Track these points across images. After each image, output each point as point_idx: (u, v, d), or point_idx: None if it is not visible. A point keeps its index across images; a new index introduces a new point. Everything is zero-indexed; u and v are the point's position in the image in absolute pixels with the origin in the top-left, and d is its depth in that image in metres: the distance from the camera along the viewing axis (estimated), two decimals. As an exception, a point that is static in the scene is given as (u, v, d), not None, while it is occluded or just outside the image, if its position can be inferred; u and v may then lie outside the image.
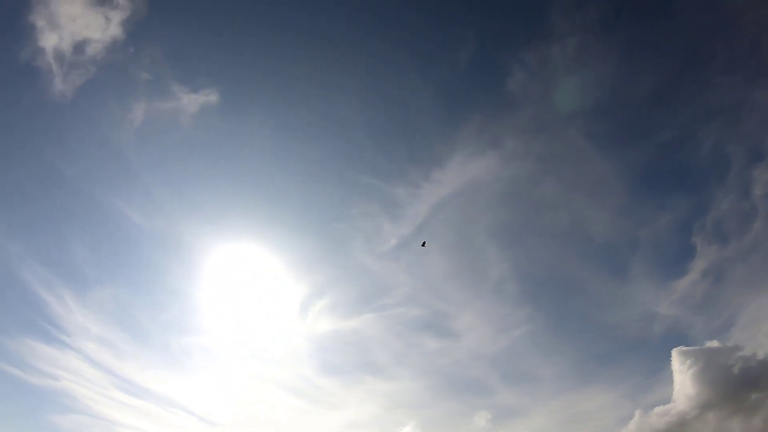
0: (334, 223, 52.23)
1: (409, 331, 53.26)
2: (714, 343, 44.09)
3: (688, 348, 43.45)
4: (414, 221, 52.49)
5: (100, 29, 44.75)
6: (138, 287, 50.66)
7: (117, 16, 44.77)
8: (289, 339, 50.93)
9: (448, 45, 52.14)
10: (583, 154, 54.33)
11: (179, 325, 50.53)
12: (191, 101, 47.44)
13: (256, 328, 50.89)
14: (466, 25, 51.97)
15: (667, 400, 43.14)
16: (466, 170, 52.79)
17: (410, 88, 52.19)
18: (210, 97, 47.59)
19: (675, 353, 43.96)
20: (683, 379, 41.99)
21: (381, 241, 52.86)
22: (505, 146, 53.74)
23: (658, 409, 42.39)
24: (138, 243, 49.50)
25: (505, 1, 53.02)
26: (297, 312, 51.33)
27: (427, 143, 53.39)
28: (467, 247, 54.70)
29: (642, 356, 50.31)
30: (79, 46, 45.03)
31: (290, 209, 51.47)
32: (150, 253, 49.60)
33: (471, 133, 52.92)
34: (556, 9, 50.65)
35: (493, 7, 52.98)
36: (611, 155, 54.67)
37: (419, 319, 53.31)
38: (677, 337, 49.04)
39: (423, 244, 40.36)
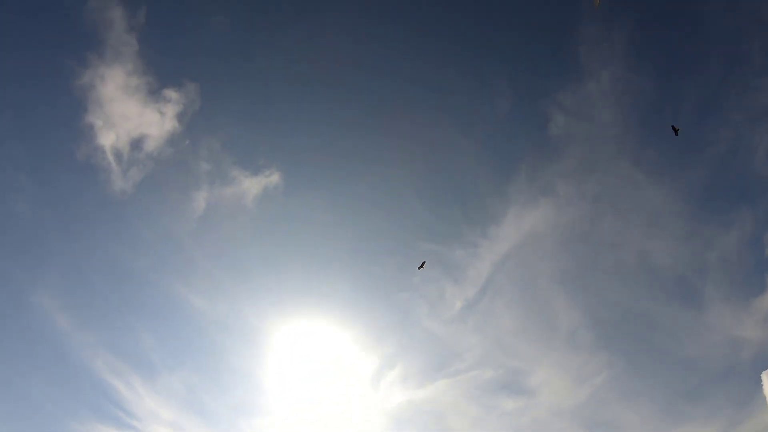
0: (397, 293, 51.46)
1: (485, 393, 51.20)
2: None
3: (780, 368, 40.59)
4: (476, 281, 51.23)
5: (156, 125, 46.92)
6: (205, 371, 50.36)
7: (171, 110, 46.92)
8: (362, 414, 49.57)
9: (484, 100, 52.43)
10: (637, 185, 52.60)
11: (248, 407, 49.49)
12: (252, 184, 48.30)
13: (327, 405, 49.87)
14: (499, 77, 52.27)
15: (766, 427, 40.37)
16: (522, 222, 51.71)
17: (454, 149, 52.30)
18: (271, 177, 48.37)
19: (765, 376, 41.20)
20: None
21: (446, 306, 51.58)
22: (558, 191, 52.62)
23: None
24: (203, 328, 49.63)
25: (531, 46, 53.40)
26: (368, 386, 49.80)
27: (479, 201, 52.93)
28: (534, 300, 52.86)
29: (731, 385, 46.29)
30: (136, 143, 47.08)
31: (353, 283, 50.90)
32: (215, 337, 49.67)
33: (521, 184, 52.19)
34: (582, 45, 50.56)
35: (521, 54, 53.47)
36: (665, 180, 52.43)
37: (494, 380, 51.27)
38: (766, 358, 45.56)
39: (422, 266, 39.49)
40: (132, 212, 47.88)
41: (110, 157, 46.03)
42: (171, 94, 46.99)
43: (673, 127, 34.32)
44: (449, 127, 51.87)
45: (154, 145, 46.95)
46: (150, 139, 46.77)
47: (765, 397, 40.91)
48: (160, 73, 47.23)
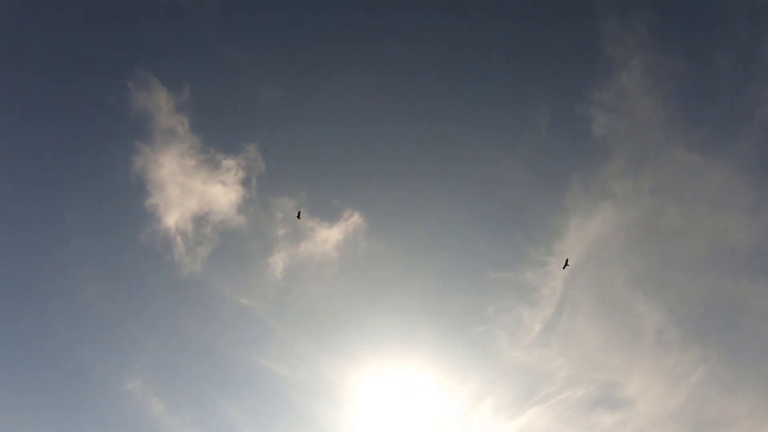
0: (474, 327, 50.53)
1: (580, 413, 48.85)
2: None
3: None
4: (551, 300, 50.03)
5: (220, 196, 48.08)
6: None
7: (233, 178, 48.06)
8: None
9: (523, 120, 51.94)
10: (694, 167, 50.66)
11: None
12: (332, 233, 48.68)
13: (420, 450, 48.40)
14: (532, 94, 52.06)
15: None
16: (586, 231, 50.40)
17: (504, 174, 51.85)
18: (351, 220, 48.90)
19: None
20: None
21: (525, 331, 50.24)
22: (615, 193, 51.43)
23: None
24: (286, 394, 49.06)
25: (557, 53, 53.00)
26: (459, 425, 48.81)
27: (539, 220, 51.97)
28: (613, 307, 50.78)
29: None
30: (201, 219, 48.19)
31: (429, 324, 50.33)
32: (299, 401, 48.95)
33: (577, 194, 51.07)
34: (606, 40, 50.22)
35: (548, 64, 53.18)
36: (721, 155, 50.13)
37: (587, 397, 48.97)
38: None
39: (298, 215, 37.81)
40: (203, 290, 48.59)
41: (176, 238, 47.40)
42: (230, 162, 48.38)
43: (566, 262, 40.96)
44: (496, 155, 52.03)
45: (219, 218, 48.20)
46: (215, 212, 48.09)
47: None
48: (215, 144, 48.80)
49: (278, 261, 48.72)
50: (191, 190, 47.99)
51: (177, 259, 47.50)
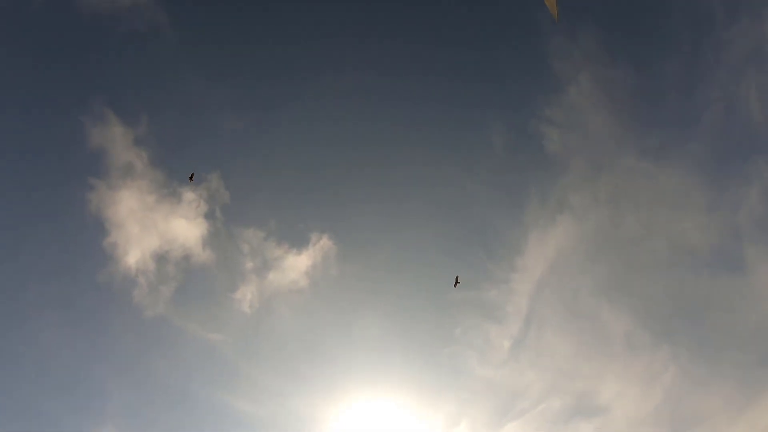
0: (443, 349, 50.44)
1: (558, 424, 48.78)
2: None
3: None
4: (518, 316, 50.36)
5: (183, 231, 46.95)
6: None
7: (195, 212, 47.09)
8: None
9: (480, 136, 53.11)
10: (647, 173, 52.07)
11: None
12: (301, 259, 48.42)
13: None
14: (485, 116, 53.22)
15: None
16: (546, 244, 51.28)
17: (464, 190, 52.53)
18: (321, 242, 48.82)
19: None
20: None
21: (494, 349, 50.31)
22: (572, 204, 52.49)
23: None
24: (251, 429, 47.90)
25: (506, 74, 54.34)
26: (439, 450, 48.49)
27: (499, 237, 52.61)
28: (580, 317, 51.37)
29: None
30: (163, 256, 46.90)
31: (399, 348, 49.87)
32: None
33: (535, 209, 51.98)
34: (553, 58, 51.99)
35: (501, 82, 54.37)
36: (673, 159, 51.73)
37: (563, 408, 49.01)
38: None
39: (191, 178, 37.40)
40: (170, 329, 47.34)
41: (137, 278, 46.20)
42: (191, 195, 47.37)
43: (456, 280, 41.59)
44: (456, 176, 52.76)
45: (182, 254, 47.17)
46: (177, 248, 47.04)
47: None
48: (175, 177, 47.51)
49: (246, 294, 48.10)
50: (152, 226, 47.06)
51: (139, 300, 46.34)
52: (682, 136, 52.35)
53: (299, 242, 49.15)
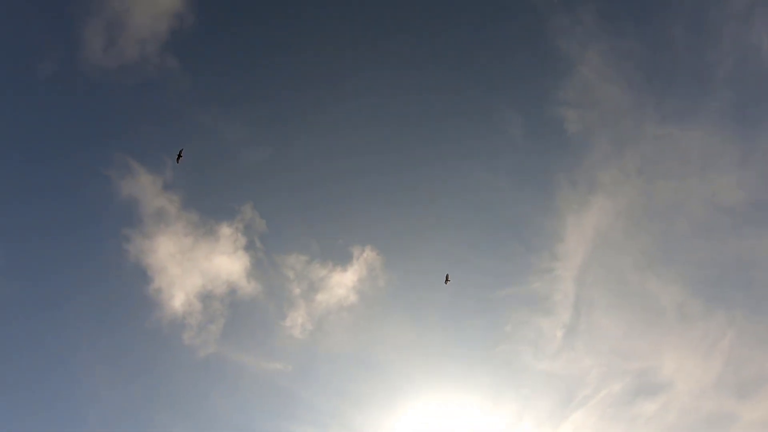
0: (496, 347, 49.92)
1: (621, 407, 47.75)
2: None
3: None
4: (566, 303, 49.76)
5: (224, 267, 47.17)
6: None
7: (233, 245, 47.42)
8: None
9: (498, 130, 52.83)
10: (672, 138, 51.18)
11: None
12: (347, 275, 48.35)
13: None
14: (500, 109, 53.01)
15: None
16: (584, 227, 50.62)
17: (491, 187, 52.26)
18: (363, 256, 48.59)
19: None
20: None
21: (547, 340, 49.75)
22: (602, 182, 51.81)
23: None
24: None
25: (515, 61, 54.24)
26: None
27: (534, 226, 51.95)
28: (629, 294, 50.44)
29: None
30: (207, 295, 47.18)
31: (453, 352, 49.49)
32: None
33: (566, 193, 51.46)
34: (558, 38, 51.84)
35: (509, 72, 54.28)
36: (693, 121, 51.25)
37: (625, 390, 47.95)
38: None
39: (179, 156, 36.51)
40: (224, 364, 47.31)
41: (185, 319, 46.47)
42: (227, 229, 47.84)
43: (446, 278, 42.57)
44: (481, 175, 52.66)
45: (227, 289, 47.37)
46: (221, 284, 47.33)
47: None
48: (209, 214, 48.28)
49: (297, 319, 48.08)
50: (193, 267, 47.58)
51: (190, 341, 46.66)
52: (700, 96, 51.64)
53: (342, 258, 49.15)
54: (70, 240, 48.06)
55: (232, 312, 47.70)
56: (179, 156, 39.12)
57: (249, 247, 48.22)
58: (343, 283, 48.49)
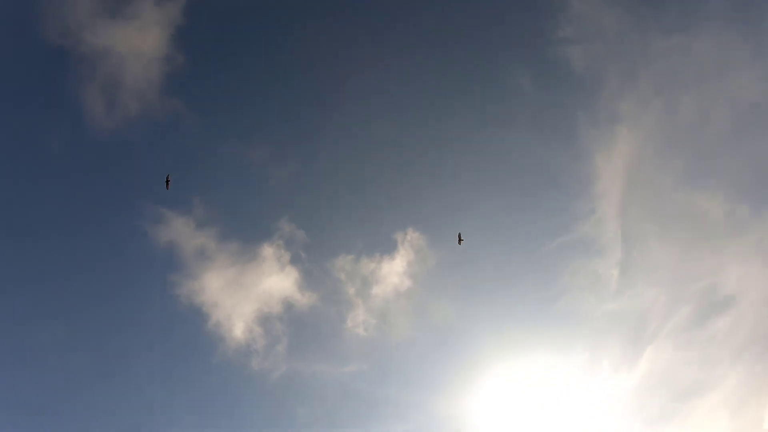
0: (558, 300, 49.29)
1: (693, 329, 46.87)
2: None
3: None
4: (615, 240, 49.36)
5: (276, 287, 47.64)
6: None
7: (279, 263, 47.76)
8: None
9: (504, 83, 52.24)
10: (681, 47, 50.41)
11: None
12: (393, 263, 48.17)
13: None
14: (500, 57, 52.35)
15: None
16: (615, 160, 49.71)
17: (514, 143, 51.77)
18: (408, 239, 48.48)
19: None
20: None
21: (606, 281, 49.31)
22: (622, 111, 50.58)
23: None
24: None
25: (505, 10, 53.59)
26: (592, 401, 47.52)
27: (566, 172, 51.32)
28: (675, 215, 49.41)
29: None
30: (266, 319, 47.74)
31: (517, 314, 49.39)
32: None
33: (588, 131, 50.51)
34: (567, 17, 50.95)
35: (501, 23, 53.48)
36: (699, 25, 50.15)
37: (693, 313, 47.02)
38: None
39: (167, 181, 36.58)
40: (298, 380, 47.77)
41: (250, 345, 47.11)
42: (269, 249, 48.18)
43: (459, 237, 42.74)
44: (500, 133, 52.20)
45: (284, 307, 47.88)
46: (277, 304, 47.85)
47: None
48: (247, 240, 48.67)
49: (357, 317, 48.27)
50: (245, 294, 48.19)
51: (260, 365, 47.39)
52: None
53: (388, 247, 49.02)
54: (122, 301, 48.91)
55: (293, 327, 48.33)
56: (167, 182, 39.32)
57: (295, 261, 48.64)
58: (394, 270, 48.58)
